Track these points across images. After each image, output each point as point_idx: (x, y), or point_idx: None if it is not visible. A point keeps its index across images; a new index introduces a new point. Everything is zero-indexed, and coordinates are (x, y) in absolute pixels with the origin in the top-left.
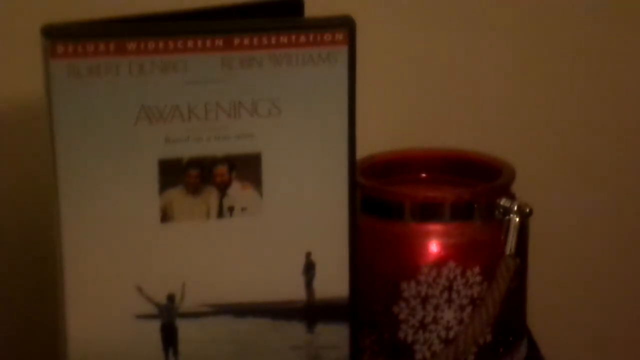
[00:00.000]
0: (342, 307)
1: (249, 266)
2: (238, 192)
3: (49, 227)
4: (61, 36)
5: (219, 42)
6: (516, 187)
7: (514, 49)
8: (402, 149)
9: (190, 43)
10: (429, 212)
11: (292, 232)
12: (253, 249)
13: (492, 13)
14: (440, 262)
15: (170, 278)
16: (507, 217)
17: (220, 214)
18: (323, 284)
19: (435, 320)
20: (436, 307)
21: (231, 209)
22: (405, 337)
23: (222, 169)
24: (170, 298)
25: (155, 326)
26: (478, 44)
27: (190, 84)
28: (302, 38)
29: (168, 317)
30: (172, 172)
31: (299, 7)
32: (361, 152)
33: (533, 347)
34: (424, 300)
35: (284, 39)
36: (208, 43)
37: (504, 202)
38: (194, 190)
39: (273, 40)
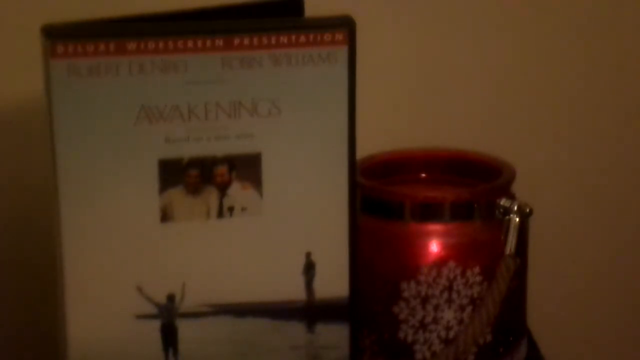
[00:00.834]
0: (342, 307)
1: (249, 266)
2: (238, 192)
3: (49, 227)
4: (61, 36)
5: (219, 42)
6: (516, 187)
7: (514, 49)
8: (402, 149)
9: (190, 43)
10: (429, 212)
11: (292, 232)
12: (253, 249)
13: (492, 13)
14: (440, 262)
15: (170, 278)
16: (507, 217)
17: (220, 214)
18: (323, 284)
19: (435, 320)
20: (436, 307)
21: (231, 209)
22: (405, 337)
23: (222, 169)
24: (170, 298)
25: (155, 326)
26: (478, 44)
27: (190, 84)
28: (302, 38)
29: (168, 317)
30: (172, 172)
31: (299, 7)
32: (361, 152)
33: (533, 347)
34: (424, 300)
35: (284, 39)
36: (208, 43)
37: (504, 202)
38: (194, 190)
39: (273, 40)
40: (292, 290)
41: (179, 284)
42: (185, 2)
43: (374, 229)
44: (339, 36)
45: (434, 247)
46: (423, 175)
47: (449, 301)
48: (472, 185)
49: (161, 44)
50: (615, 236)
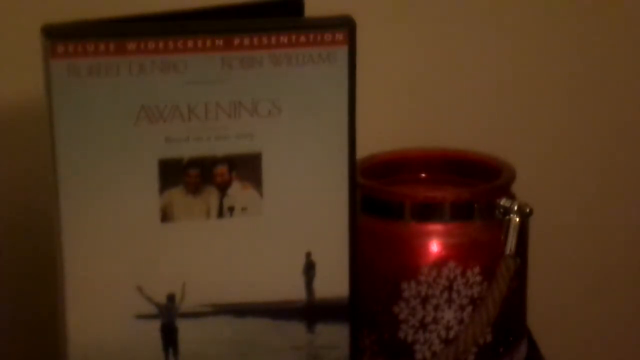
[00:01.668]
0: (342, 307)
1: (249, 266)
2: (238, 192)
3: (49, 227)
4: (61, 36)
5: (219, 42)
6: (516, 187)
7: (514, 49)
8: (402, 149)
9: (190, 43)
10: (429, 212)
11: (292, 232)
12: (253, 249)
13: (492, 13)
14: (440, 262)
15: (170, 278)
16: (507, 217)
17: (220, 214)
18: (323, 284)
19: (435, 320)
20: (436, 307)
21: (231, 209)
22: (405, 337)
23: (222, 169)
24: (170, 298)
25: (155, 326)
26: (478, 43)
27: (190, 84)
28: (302, 38)
29: (168, 317)
30: (172, 172)
31: (299, 7)
32: (361, 152)
33: (533, 347)
34: (424, 300)
35: (284, 39)
36: (208, 43)
37: (504, 202)
38: (194, 190)
39: (273, 40)
40: (292, 290)
41: (179, 284)
42: (185, 2)
43: (374, 229)
44: (339, 36)
45: (434, 247)
46: (423, 175)
47: (449, 301)
48: (472, 185)
49: (161, 44)
50: (615, 236)
